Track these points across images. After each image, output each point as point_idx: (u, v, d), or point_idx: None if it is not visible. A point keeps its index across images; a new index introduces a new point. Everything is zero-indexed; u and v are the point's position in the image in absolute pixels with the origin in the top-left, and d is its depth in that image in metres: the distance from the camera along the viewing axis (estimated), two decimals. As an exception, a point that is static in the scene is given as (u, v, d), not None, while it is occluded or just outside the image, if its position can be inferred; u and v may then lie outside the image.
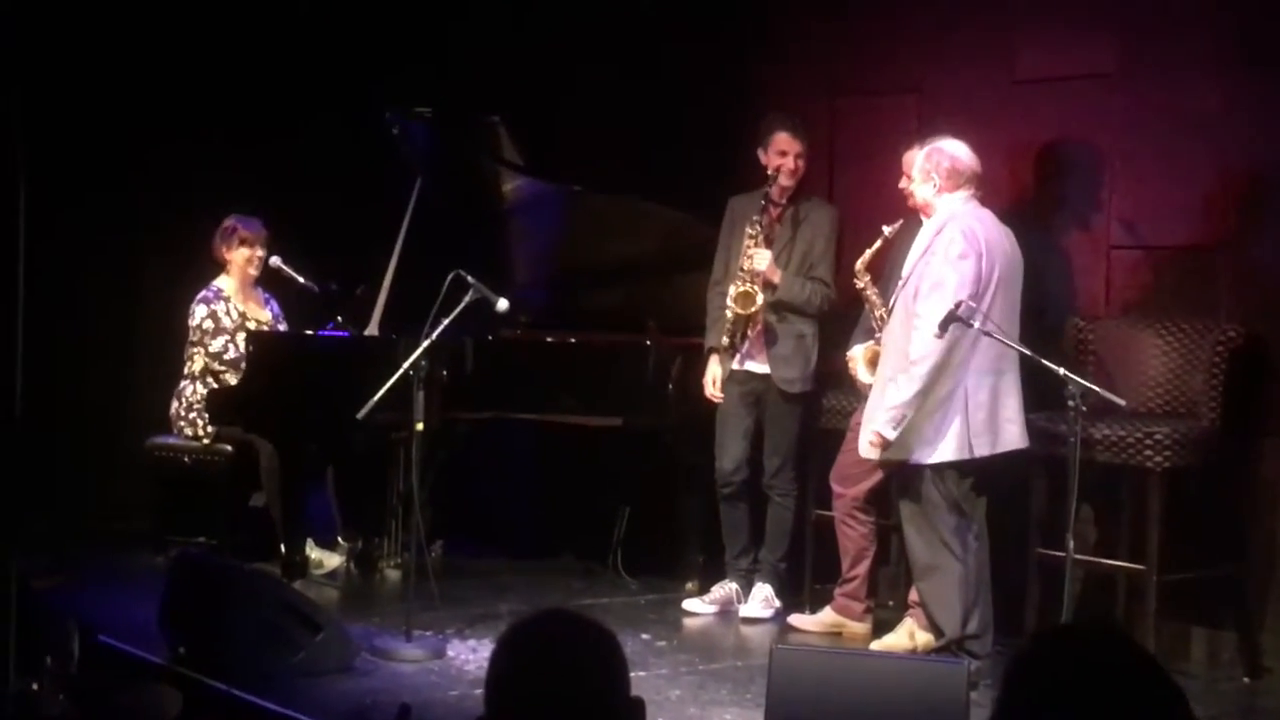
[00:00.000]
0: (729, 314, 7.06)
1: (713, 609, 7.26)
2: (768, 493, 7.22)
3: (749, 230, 7.04)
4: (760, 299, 7.02)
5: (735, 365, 7.18)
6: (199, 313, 7.80)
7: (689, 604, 7.30)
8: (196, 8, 8.55)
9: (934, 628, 6.23)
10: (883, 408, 6.00)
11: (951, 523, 6.09)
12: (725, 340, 7.11)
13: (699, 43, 8.25)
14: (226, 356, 7.76)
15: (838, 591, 6.98)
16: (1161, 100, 6.79)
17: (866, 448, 6.23)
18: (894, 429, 5.97)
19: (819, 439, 7.22)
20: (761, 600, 7.20)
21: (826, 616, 6.98)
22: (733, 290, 7.04)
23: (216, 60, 8.61)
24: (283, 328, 7.99)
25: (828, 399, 7.17)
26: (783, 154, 7.07)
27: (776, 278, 7.02)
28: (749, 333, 7.14)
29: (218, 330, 7.78)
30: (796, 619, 7.06)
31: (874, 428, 6.02)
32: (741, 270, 7.05)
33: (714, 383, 7.21)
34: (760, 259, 7.00)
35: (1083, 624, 5.45)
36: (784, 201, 7.15)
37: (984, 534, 6.16)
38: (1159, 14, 6.81)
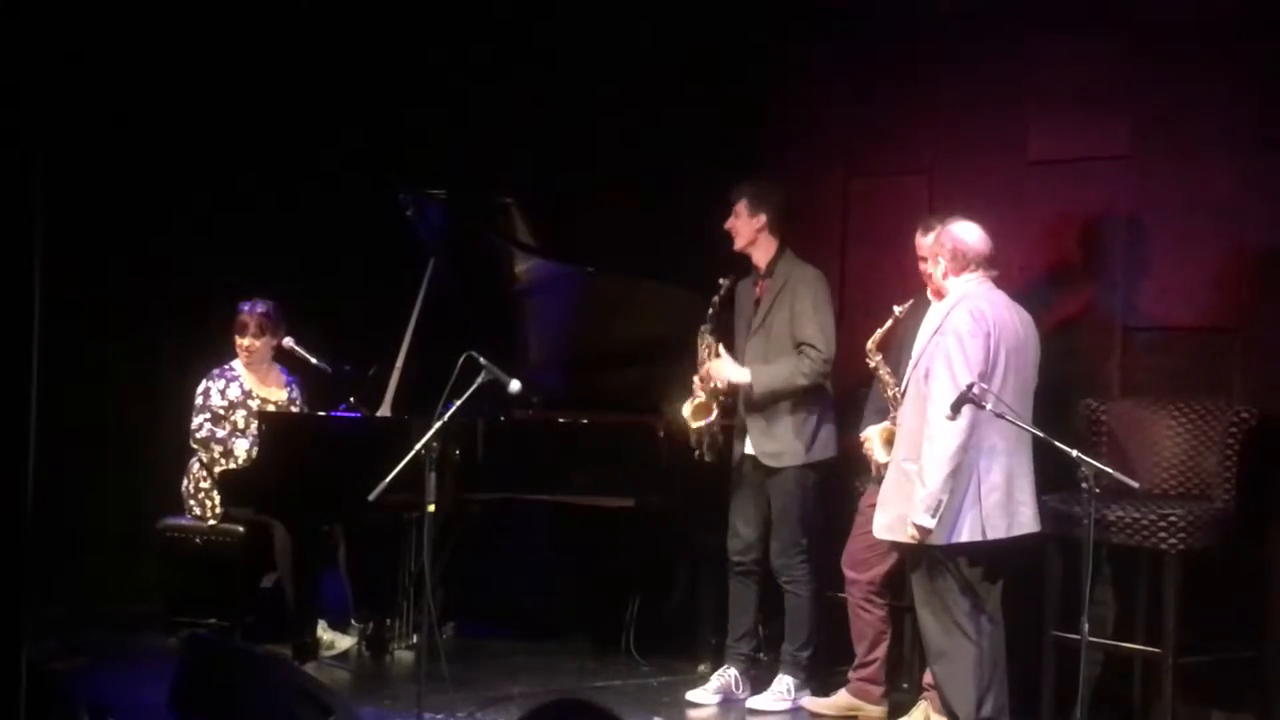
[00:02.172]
0: (690, 425, 7.07)
1: (716, 699, 7.15)
2: (777, 579, 7.15)
3: (700, 342, 7.04)
4: (715, 412, 7.03)
5: (746, 450, 7.17)
6: (199, 388, 7.84)
7: (693, 694, 7.19)
8: (216, 88, 8.60)
9: (948, 711, 6.18)
10: (916, 498, 5.94)
11: (965, 606, 6.05)
12: (696, 452, 7.09)
13: (714, 124, 8.28)
14: (199, 435, 7.78)
15: (853, 675, 6.92)
16: (1175, 182, 6.81)
17: (881, 528, 6.20)
18: (932, 516, 5.90)
19: (832, 519, 7.13)
20: (777, 694, 7.05)
21: (841, 699, 6.91)
22: (687, 406, 7.06)
23: (235, 143, 8.66)
24: (295, 409, 7.99)
25: (857, 482, 7.06)
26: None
27: (746, 377, 6.98)
28: (718, 437, 7.11)
29: (202, 407, 7.80)
30: (810, 702, 6.99)
31: (912, 519, 5.95)
32: (697, 380, 7.05)
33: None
34: (722, 369, 6.98)
35: None
36: (765, 270, 7.13)
37: (999, 616, 6.12)
38: (1172, 96, 6.84)
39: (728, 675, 7.19)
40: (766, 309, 7.08)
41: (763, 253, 7.12)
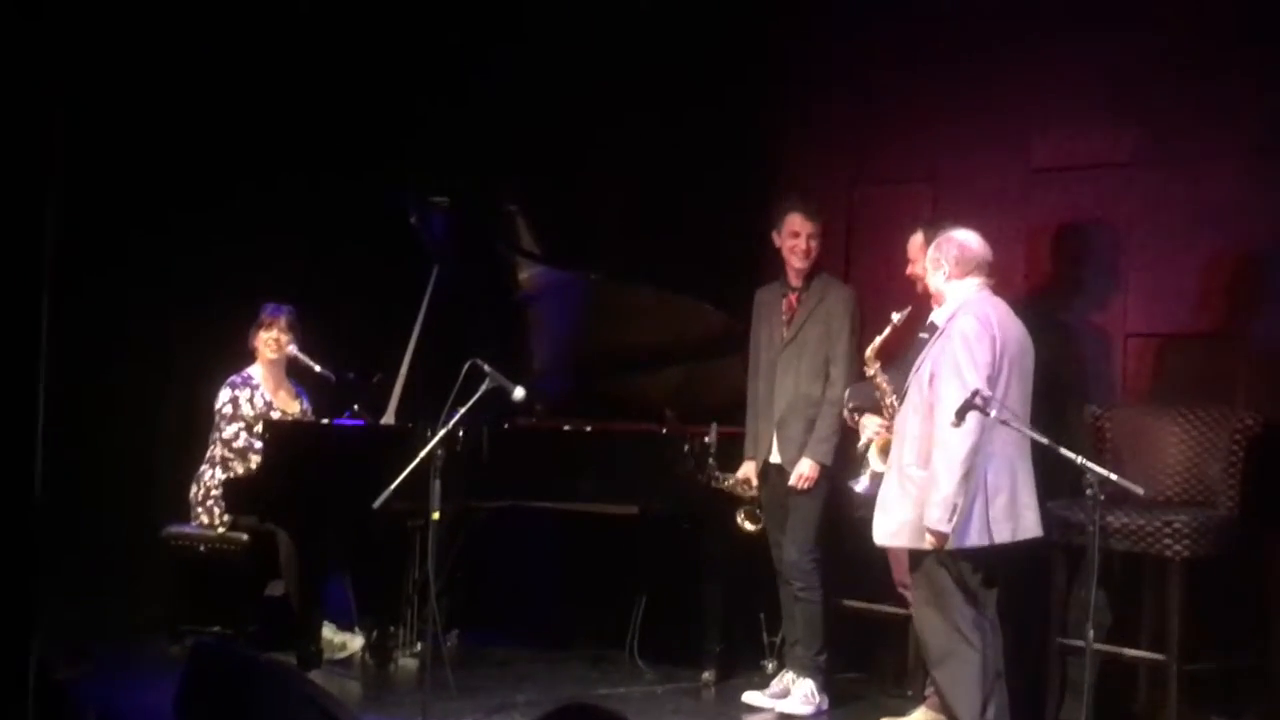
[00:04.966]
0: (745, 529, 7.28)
1: (775, 704, 7.14)
2: (790, 584, 7.15)
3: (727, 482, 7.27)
4: (761, 520, 7.25)
5: (770, 459, 7.19)
6: (222, 396, 7.85)
7: (749, 696, 7.21)
8: (218, 92, 8.61)
9: (951, 716, 6.18)
10: (931, 503, 5.94)
11: (968, 612, 6.05)
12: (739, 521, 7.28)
13: (718, 132, 8.30)
14: (236, 444, 7.80)
15: (928, 693, 6.67)
16: (1178, 188, 6.82)
17: (884, 534, 6.19)
18: (949, 521, 5.89)
19: (847, 527, 7.08)
20: (802, 697, 7.08)
21: (923, 716, 6.72)
22: (740, 516, 7.26)
23: (234, 150, 8.66)
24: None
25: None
26: (795, 235, 7.09)
27: (813, 472, 7.03)
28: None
29: (234, 416, 7.82)
30: None
31: (927, 524, 5.95)
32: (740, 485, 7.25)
33: (749, 483, 7.23)
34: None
35: None
36: (800, 284, 7.17)
37: (997, 622, 6.12)
38: (1175, 103, 6.86)
39: (787, 679, 7.19)
40: (801, 323, 7.12)
41: (809, 265, 7.16)
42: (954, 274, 6.13)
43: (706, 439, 7.36)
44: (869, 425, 6.72)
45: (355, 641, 7.82)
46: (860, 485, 6.68)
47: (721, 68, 8.35)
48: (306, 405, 8.06)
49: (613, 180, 8.65)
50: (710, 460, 7.34)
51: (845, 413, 6.84)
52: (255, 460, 7.73)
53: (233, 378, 7.90)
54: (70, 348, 8.29)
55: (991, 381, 5.87)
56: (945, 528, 5.87)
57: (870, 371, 6.70)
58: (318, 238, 8.67)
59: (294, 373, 8.04)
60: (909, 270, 6.69)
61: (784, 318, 7.18)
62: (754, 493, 7.24)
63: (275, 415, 7.85)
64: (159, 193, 8.51)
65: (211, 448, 7.86)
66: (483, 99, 8.97)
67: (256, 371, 7.93)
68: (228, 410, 7.83)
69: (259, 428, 7.74)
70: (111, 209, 8.33)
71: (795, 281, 7.17)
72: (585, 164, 8.71)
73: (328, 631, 7.74)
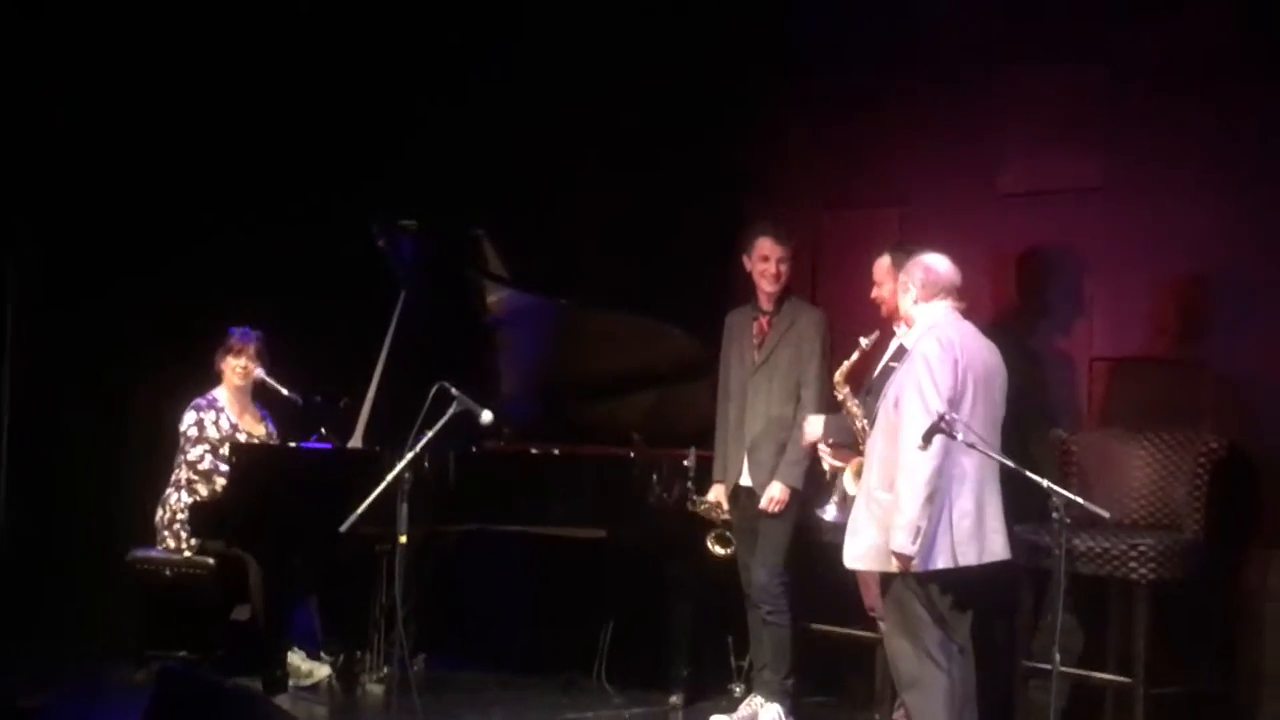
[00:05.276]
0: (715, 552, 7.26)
1: None
2: (758, 609, 7.15)
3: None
4: (732, 545, 7.20)
5: (741, 481, 7.19)
6: (187, 419, 7.82)
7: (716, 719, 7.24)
8: (184, 118, 8.59)
9: (921, 741, 6.18)
10: (895, 526, 5.94)
11: (936, 635, 6.05)
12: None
13: (687, 156, 8.31)
14: (201, 467, 7.76)
15: (896, 715, 6.72)
16: (1144, 214, 6.86)
17: (853, 558, 6.20)
18: (912, 542, 5.89)
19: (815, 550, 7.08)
20: None
21: None
22: (710, 540, 7.24)
23: (199, 174, 8.65)
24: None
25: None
26: (765, 259, 7.11)
27: (783, 495, 7.04)
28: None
29: (200, 439, 7.78)
30: None
31: (892, 547, 5.95)
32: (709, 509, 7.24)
33: (720, 507, 7.23)
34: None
35: None
36: (771, 308, 7.18)
37: (969, 647, 6.12)
38: (1142, 129, 6.89)
39: (755, 704, 7.18)
40: (772, 346, 7.14)
41: (780, 288, 7.18)
42: (921, 297, 6.15)
43: (685, 462, 7.36)
44: (827, 456, 6.76)
45: (322, 670, 7.79)
46: (829, 514, 6.70)
47: (694, 94, 8.36)
48: (271, 428, 8.04)
49: (584, 206, 8.65)
50: (689, 483, 7.34)
51: (823, 447, 6.83)
52: (220, 482, 7.70)
53: (197, 400, 7.87)
54: (32, 372, 8.30)
55: (954, 404, 5.88)
56: (909, 550, 5.87)
57: (840, 395, 6.71)
58: (283, 259, 8.63)
59: (260, 396, 8.01)
60: (874, 294, 6.72)
61: (755, 341, 7.19)
62: (725, 516, 7.24)
63: (241, 438, 7.82)
64: (119, 218, 8.47)
65: (176, 471, 7.83)
66: (454, 128, 8.97)
67: (221, 394, 7.91)
68: (193, 433, 7.80)
69: (224, 450, 7.71)
70: (71, 233, 8.31)
71: (766, 305, 7.18)
72: (558, 190, 8.71)
73: (295, 658, 7.71)
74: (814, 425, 6.86)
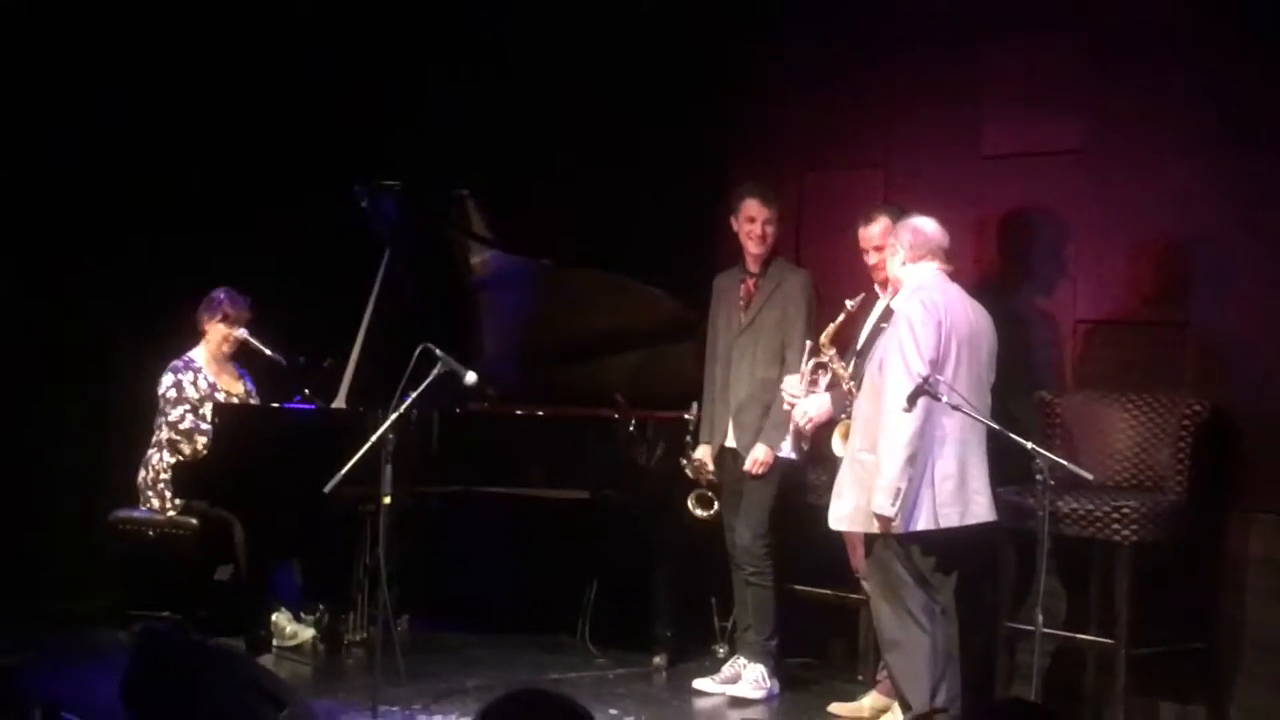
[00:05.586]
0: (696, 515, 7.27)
1: (725, 689, 7.15)
2: (741, 570, 7.16)
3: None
4: (716, 506, 7.20)
5: (726, 443, 7.19)
6: (165, 381, 7.80)
7: (700, 682, 7.22)
8: (167, 84, 8.55)
9: (902, 700, 6.21)
10: (876, 487, 5.95)
11: (919, 597, 6.08)
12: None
13: (671, 120, 8.29)
14: (182, 426, 7.75)
15: (881, 676, 6.70)
16: (1127, 176, 6.85)
17: (838, 519, 6.22)
18: (893, 504, 5.91)
19: (799, 513, 7.09)
20: (753, 681, 7.09)
21: (876, 702, 6.72)
22: (692, 500, 7.25)
23: (188, 135, 8.60)
24: (255, 402, 7.97)
25: (813, 474, 7.01)
26: (751, 220, 7.11)
27: (768, 457, 7.02)
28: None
29: (179, 400, 7.77)
30: (837, 707, 6.82)
31: (873, 508, 5.97)
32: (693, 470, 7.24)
33: (702, 468, 7.23)
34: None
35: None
36: (757, 270, 7.17)
37: (952, 609, 6.14)
38: (1125, 93, 6.88)
39: (737, 665, 7.19)
40: (758, 308, 7.13)
41: (766, 250, 7.17)
42: (909, 258, 6.17)
43: (687, 415, 7.36)
44: (786, 394, 6.79)
45: (306, 632, 7.81)
46: (783, 450, 6.78)
47: (676, 54, 8.33)
48: (250, 385, 8.02)
49: (569, 169, 8.62)
50: (687, 439, 7.33)
51: (785, 387, 6.84)
52: (202, 440, 7.70)
53: (175, 362, 7.85)
54: (12, 333, 8.27)
55: (937, 366, 5.89)
56: (889, 511, 5.90)
57: (825, 358, 6.72)
58: (266, 219, 8.59)
59: (241, 355, 7.99)
60: (870, 260, 6.69)
61: (741, 303, 7.19)
62: (711, 476, 7.25)
63: (220, 397, 7.80)
64: (102, 178, 8.43)
65: (157, 432, 7.82)
66: (437, 93, 8.94)
67: (199, 354, 7.89)
68: (172, 394, 7.78)
69: (205, 409, 7.70)
70: (55, 195, 8.27)
71: (753, 267, 7.18)
72: (542, 154, 8.67)
73: (280, 619, 7.72)
74: (818, 403, 6.81)
